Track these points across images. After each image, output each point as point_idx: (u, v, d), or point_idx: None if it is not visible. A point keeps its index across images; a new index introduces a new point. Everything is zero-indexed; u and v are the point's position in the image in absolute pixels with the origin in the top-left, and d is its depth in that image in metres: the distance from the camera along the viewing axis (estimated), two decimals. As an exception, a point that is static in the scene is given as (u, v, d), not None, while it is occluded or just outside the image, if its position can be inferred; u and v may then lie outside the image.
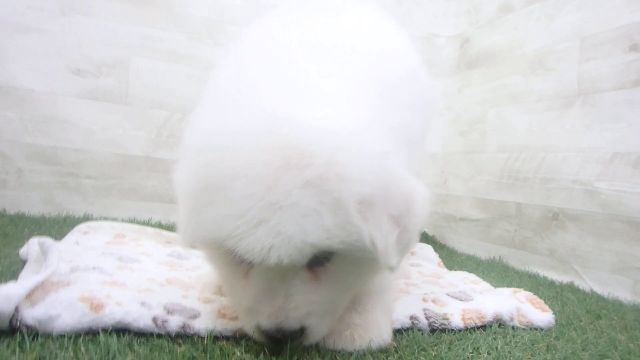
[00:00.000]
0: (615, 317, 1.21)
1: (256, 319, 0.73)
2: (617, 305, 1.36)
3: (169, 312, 0.82)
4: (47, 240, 0.98)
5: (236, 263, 0.74)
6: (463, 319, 1.00)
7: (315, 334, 0.75)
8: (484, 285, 1.32)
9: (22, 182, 1.90)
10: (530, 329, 1.05)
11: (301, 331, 0.73)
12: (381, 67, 0.86)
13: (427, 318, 0.98)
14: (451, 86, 2.37)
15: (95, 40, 1.98)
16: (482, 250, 2.06)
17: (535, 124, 1.86)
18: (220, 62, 0.91)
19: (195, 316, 0.83)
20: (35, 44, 1.89)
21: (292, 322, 0.72)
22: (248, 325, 0.76)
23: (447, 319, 0.99)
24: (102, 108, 2.01)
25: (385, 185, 0.70)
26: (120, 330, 0.76)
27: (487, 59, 2.17)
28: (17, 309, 0.72)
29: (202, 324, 0.81)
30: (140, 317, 0.78)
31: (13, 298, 0.71)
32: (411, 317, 0.97)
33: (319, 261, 0.72)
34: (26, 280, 0.78)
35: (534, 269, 1.78)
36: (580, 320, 1.15)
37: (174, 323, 0.80)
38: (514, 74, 2.00)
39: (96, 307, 0.76)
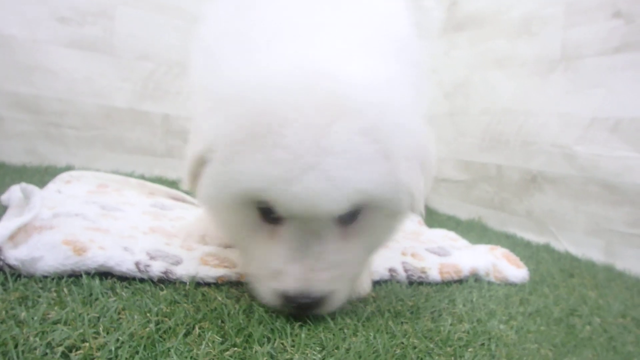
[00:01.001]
0: (587, 276, 1.26)
1: (282, 283, 0.70)
2: (589, 265, 1.41)
3: (152, 257, 0.83)
4: (30, 186, 0.97)
5: (262, 222, 0.72)
6: (440, 272, 1.03)
7: (336, 301, 0.74)
8: (462, 242, 1.34)
9: (3, 131, 1.86)
10: (505, 285, 1.08)
11: (325, 298, 0.71)
12: (391, 24, 0.84)
13: (405, 271, 1.00)
14: (437, 48, 2.35)
15: (80, -14, 1.91)
16: (463, 211, 2.09)
17: (518, 88, 1.87)
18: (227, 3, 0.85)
19: (177, 262, 0.84)
20: (18, -12, 1.82)
21: (320, 285, 0.70)
22: (268, 291, 0.73)
23: (425, 272, 1.01)
24: (87, 57, 1.95)
25: (418, 137, 0.73)
26: (103, 274, 0.77)
27: (474, 22, 2.16)
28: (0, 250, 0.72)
29: (185, 270, 0.82)
30: (123, 261, 0.79)
31: (-4, 239, 0.71)
32: (390, 270, 0.99)
33: (350, 218, 0.71)
34: (9, 221, 0.78)
35: (512, 229, 1.82)
36: (554, 278, 1.19)
37: (157, 268, 0.80)
38: (499, 38, 1.99)
39: (79, 250, 0.77)
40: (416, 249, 1.14)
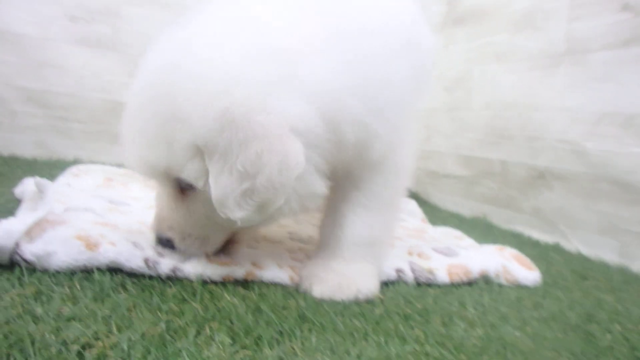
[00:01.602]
0: (602, 279, 1.23)
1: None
2: (603, 267, 1.38)
3: (160, 254, 0.83)
4: (44, 180, 0.97)
5: None
6: (449, 274, 1.02)
7: (182, 249, 0.84)
8: (468, 241, 1.33)
9: (15, 125, 1.92)
10: (517, 287, 1.06)
11: (169, 241, 0.84)
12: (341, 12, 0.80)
13: (412, 271, 0.99)
14: (437, 43, 2.34)
15: (88, -13, 1.97)
16: (466, 208, 2.07)
17: (521, 83, 1.84)
18: None
19: (185, 260, 0.84)
20: (32, -11, 1.89)
21: (159, 231, 0.84)
22: None
23: (433, 273, 1.00)
24: (94, 54, 2.01)
25: (232, 138, 0.68)
26: (113, 270, 0.77)
27: (474, 17, 2.14)
28: (16, 244, 0.73)
29: (192, 268, 0.82)
30: (133, 257, 0.79)
31: (14, 234, 0.72)
32: (397, 270, 0.98)
33: (188, 186, 0.78)
34: (26, 216, 0.79)
35: (518, 227, 1.80)
36: (566, 281, 1.17)
37: (165, 265, 0.80)
38: (500, 32, 1.97)
39: (91, 245, 0.77)
40: (422, 248, 1.13)
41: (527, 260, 1.15)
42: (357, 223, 0.90)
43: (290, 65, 0.72)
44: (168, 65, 0.75)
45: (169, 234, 0.83)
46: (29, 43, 1.89)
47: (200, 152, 0.72)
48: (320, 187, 0.77)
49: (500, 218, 1.90)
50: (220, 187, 0.70)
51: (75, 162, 1.91)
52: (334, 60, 0.75)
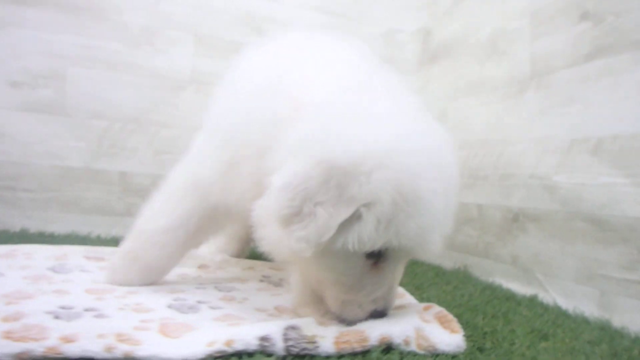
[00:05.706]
0: (566, 339, 0.96)
1: (373, 304, 0.86)
2: (576, 321, 1.10)
3: None
4: None
5: (365, 262, 0.84)
6: (336, 342, 0.79)
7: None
8: (408, 298, 1.09)
9: None
10: (433, 356, 0.82)
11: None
12: None
13: (285, 341, 0.77)
14: (415, 83, 2.19)
15: (31, 51, 1.91)
16: (447, 259, 1.81)
17: (492, 115, 1.64)
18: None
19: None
20: (-30, 58, 1.83)
21: (390, 304, 0.89)
22: (356, 310, 0.87)
23: (315, 342, 0.78)
24: (40, 120, 1.92)
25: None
26: None
27: (446, 51, 1.99)
28: None
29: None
30: None
31: None
32: (260, 338, 0.76)
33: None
34: None
35: (498, 279, 1.53)
36: (513, 344, 0.91)
37: None
38: (469, 63, 1.80)
39: None
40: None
41: (452, 321, 0.89)
42: None
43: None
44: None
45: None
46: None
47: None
48: None
49: (480, 269, 1.64)
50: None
51: (23, 232, 1.81)
52: None
